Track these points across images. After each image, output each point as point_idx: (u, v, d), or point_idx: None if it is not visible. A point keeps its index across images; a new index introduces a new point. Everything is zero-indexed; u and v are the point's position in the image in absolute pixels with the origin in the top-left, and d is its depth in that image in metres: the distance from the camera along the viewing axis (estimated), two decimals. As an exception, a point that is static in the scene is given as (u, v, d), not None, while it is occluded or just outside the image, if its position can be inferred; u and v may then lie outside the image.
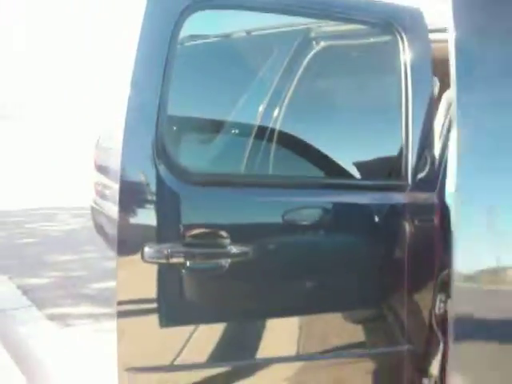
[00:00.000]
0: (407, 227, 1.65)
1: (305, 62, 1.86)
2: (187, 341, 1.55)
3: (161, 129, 1.50)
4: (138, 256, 1.47)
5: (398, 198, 1.69)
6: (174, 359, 1.54)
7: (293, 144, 1.68)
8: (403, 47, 1.72)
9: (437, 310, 1.64)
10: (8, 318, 3.91)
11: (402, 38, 1.72)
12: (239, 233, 1.51)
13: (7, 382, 2.86)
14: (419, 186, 1.68)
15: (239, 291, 1.56)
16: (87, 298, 4.20)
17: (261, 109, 1.70)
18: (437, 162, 1.78)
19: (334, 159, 1.73)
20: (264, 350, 1.60)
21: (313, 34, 1.88)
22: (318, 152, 1.71)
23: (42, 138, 18.03)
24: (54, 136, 17.82)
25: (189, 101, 1.63)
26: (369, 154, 1.80)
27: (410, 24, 1.73)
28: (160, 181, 1.49)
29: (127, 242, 1.49)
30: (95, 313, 3.85)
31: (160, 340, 1.53)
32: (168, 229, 1.50)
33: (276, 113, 1.70)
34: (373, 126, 1.80)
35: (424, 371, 1.68)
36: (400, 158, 1.68)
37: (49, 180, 10.07)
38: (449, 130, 1.82)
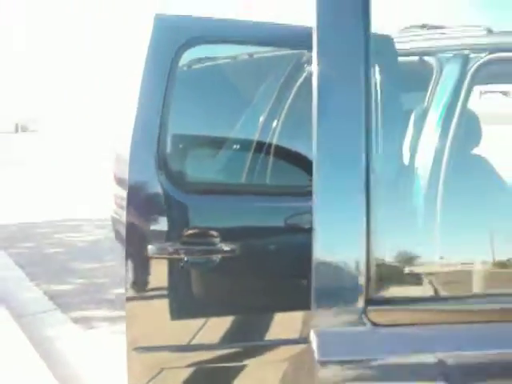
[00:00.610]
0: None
1: (297, 84, 2.14)
2: (187, 325, 1.84)
3: (162, 145, 1.81)
4: (142, 252, 1.78)
5: None
6: (176, 341, 1.83)
7: (275, 154, 1.96)
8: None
9: None
10: (37, 320, 4.25)
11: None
12: (228, 233, 1.80)
13: (35, 378, 3.17)
14: None
15: (229, 283, 1.85)
16: (109, 302, 4.53)
17: (247, 126, 1.99)
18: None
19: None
20: (252, 335, 1.88)
21: (304, 59, 2.16)
22: (301, 159, 1.96)
23: (65, 150, 18.59)
24: (74, 149, 18.36)
25: (186, 120, 1.94)
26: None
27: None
28: (161, 190, 1.80)
29: (134, 241, 1.80)
30: (114, 316, 4.17)
31: (163, 323, 1.83)
32: (167, 230, 1.80)
33: (261, 129, 1.98)
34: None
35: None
36: None
37: (74, 193, 10.51)
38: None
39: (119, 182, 4.31)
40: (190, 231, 1.81)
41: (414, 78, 2.18)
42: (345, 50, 0.85)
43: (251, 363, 1.89)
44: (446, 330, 0.83)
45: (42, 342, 3.77)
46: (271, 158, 1.94)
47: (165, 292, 1.83)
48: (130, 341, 1.82)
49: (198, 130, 1.97)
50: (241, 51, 2.04)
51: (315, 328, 0.77)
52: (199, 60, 2.01)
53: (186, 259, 1.79)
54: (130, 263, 1.79)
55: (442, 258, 0.93)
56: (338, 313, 0.76)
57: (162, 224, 1.81)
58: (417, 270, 0.92)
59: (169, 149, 1.84)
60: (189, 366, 1.91)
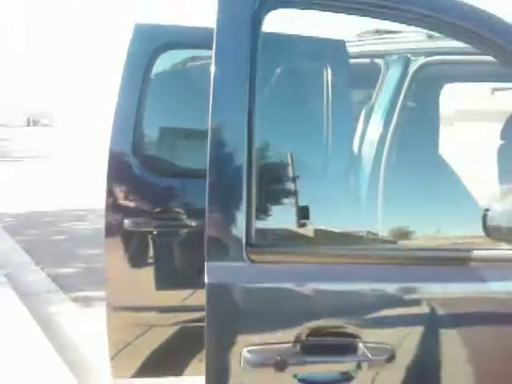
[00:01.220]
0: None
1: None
2: (158, 287, 2.16)
3: (137, 135, 2.13)
4: (119, 225, 2.10)
5: None
6: (147, 301, 2.16)
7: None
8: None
9: None
10: (40, 299, 4.61)
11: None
12: (193, 210, 2.12)
13: (38, 350, 3.52)
14: None
15: (193, 253, 2.17)
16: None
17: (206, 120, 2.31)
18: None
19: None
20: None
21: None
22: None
23: (76, 143, 19.04)
24: (85, 142, 18.80)
25: (157, 115, 2.25)
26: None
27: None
28: (135, 172, 2.12)
29: (112, 216, 2.13)
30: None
31: (137, 286, 2.15)
32: (140, 207, 2.13)
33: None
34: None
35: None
36: None
37: (81, 184, 10.89)
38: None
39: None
40: (160, 208, 2.13)
41: (365, 77, 2.48)
42: (236, 53, 1.13)
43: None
44: (307, 267, 1.14)
45: (44, 317, 4.12)
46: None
47: (138, 259, 2.16)
48: (109, 302, 2.16)
49: (167, 123, 2.29)
50: (204, 55, 2.35)
51: (208, 263, 1.08)
52: (171, 63, 2.33)
53: (155, 232, 2.11)
54: (108, 233, 2.13)
55: (307, 214, 1.23)
56: (227, 252, 1.08)
57: (135, 202, 2.14)
58: (285, 224, 1.23)
59: (142, 138, 2.17)
60: (161, 324, 2.24)
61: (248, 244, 1.08)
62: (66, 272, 5.36)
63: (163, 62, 2.23)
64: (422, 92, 2.36)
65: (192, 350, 2.23)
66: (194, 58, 2.35)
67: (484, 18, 1.28)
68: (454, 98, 2.58)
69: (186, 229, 2.11)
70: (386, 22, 1.57)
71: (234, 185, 1.08)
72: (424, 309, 1.15)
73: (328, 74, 2.27)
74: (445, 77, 2.37)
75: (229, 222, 1.09)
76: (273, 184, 1.22)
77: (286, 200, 1.25)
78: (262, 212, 1.13)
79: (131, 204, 2.14)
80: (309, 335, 1.11)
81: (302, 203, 1.21)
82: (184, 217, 2.10)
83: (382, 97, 2.33)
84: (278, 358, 1.07)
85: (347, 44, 2.37)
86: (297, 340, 1.09)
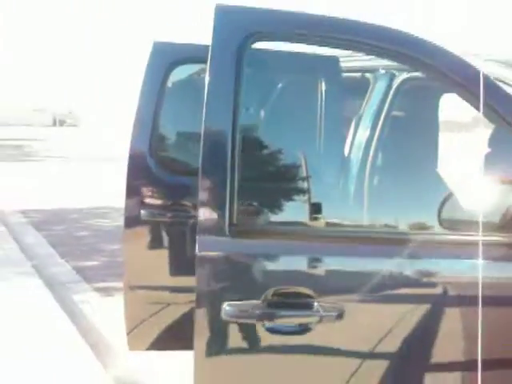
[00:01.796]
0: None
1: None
2: (172, 269, 2.52)
3: (153, 138, 2.50)
4: (137, 216, 2.47)
5: None
6: (163, 282, 2.52)
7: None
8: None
9: None
10: (64, 289, 5.01)
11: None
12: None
13: (62, 333, 3.91)
14: None
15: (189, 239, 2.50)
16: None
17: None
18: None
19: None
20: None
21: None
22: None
23: (101, 143, 19.63)
24: (110, 142, 19.40)
25: (172, 121, 2.62)
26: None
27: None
28: (151, 171, 2.49)
29: (130, 207, 2.49)
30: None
31: (153, 267, 2.51)
32: (155, 200, 2.49)
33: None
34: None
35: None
36: None
37: (105, 183, 11.37)
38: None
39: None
40: (173, 202, 2.49)
41: (356, 90, 2.79)
42: (223, 74, 1.47)
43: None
44: (275, 242, 1.49)
45: (68, 305, 4.53)
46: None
47: (153, 244, 2.52)
48: (127, 281, 2.52)
49: (180, 127, 2.67)
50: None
51: (199, 238, 1.44)
52: (184, 75, 2.70)
53: (168, 222, 2.47)
54: (127, 223, 2.50)
55: (276, 202, 1.57)
56: (213, 230, 1.44)
57: (151, 196, 2.51)
58: (260, 209, 1.57)
59: (158, 141, 2.54)
60: (173, 303, 2.58)
61: (230, 223, 1.44)
62: (88, 265, 5.77)
63: (178, 74, 2.60)
64: (405, 103, 2.67)
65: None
66: (202, 71, 2.71)
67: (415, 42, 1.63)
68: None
69: (194, 219, 2.47)
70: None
71: (221, 178, 1.43)
72: (367, 278, 1.48)
73: (321, 87, 2.60)
74: (426, 90, 2.67)
75: (215, 206, 1.44)
76: (252, 178, 1.56)
77: (262, 191, 1.59)
78: (242, 199, 1.48)
79: (147, 197, 2.50)
80: (274, 295, 1.45)
81: (273, 195, 1.57)
82: (193, 209, 2.45)
83: (370, 107, 2.65)
84: (251, 311, 1.41)
85: (341, 60, 2.69)
86: (265, 298, 1.43)
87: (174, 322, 2.60)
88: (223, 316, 1.42)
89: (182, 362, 2.60)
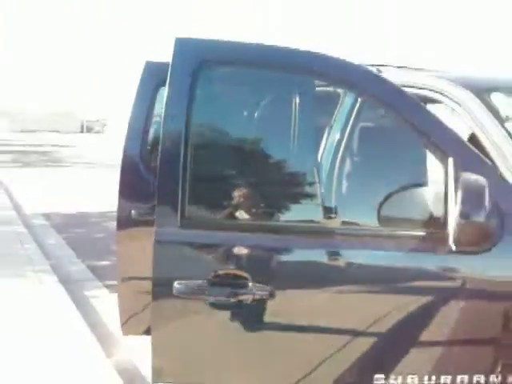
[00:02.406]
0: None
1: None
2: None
3: (143, 145, 2.86)
4: (128, 214, 2.82)
5: None
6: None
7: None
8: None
9: None
10: (78, 286, 5.42)
11: None
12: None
13: (74, 326, 4.28)
14: None
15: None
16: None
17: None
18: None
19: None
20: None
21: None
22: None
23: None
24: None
25: (157, 131, 2.97)
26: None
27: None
28: (141, 173, 2.84)
29: (122, 207, 2.85)
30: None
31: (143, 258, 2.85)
32: (144, 200, 2.84)
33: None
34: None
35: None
36: None
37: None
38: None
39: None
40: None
41: (329, 103, 3.09)
42: (179, 92, 1.83)
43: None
44: (218, 233, 1.83)
45: (80, 300, 4.92)
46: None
47: (142, 239, 2.86)
48: (119, 272, 2.87)
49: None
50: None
51: (156, 229, 1.78)
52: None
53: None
54: (119, 221, 2.85)
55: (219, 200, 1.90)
56: (168, 222, 1.77)
57: (140, 195, 2.86)
58: (206, 206, 1.91)
59: (146, 147, 2.89)
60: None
61: (182, 217, 1.78)
62: (102, 264, 6.17)
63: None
64: (367, 115, 2.97)
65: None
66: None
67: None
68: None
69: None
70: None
71: (174, 179, 1.77)
72: (295, 265, 1.81)
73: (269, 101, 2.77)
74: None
75: (170, 203, 1.78)
76: (201, 179, 1.89)
77: (209, 191, 1.92)
78: (192, 197, 1.81)
79: (138, 198, 2.85)
80: (216, 276, 1.77)
81: (219, 194, 1.90)
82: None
83: (339, 118, 2.96)
84: (196, 289, 1.74)
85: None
86: (208, 278, 1.76)
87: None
88: (174, 292, 1.75)
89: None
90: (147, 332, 3.06)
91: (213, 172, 1.94)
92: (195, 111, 1.84)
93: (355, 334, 1.84)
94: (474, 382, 1.87)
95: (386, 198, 2.11)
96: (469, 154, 1.90)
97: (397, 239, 1.90)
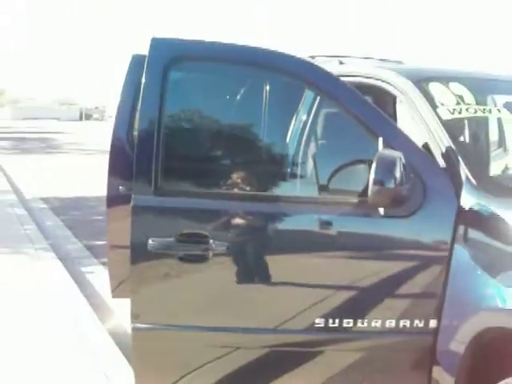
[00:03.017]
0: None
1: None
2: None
3: (130, 128, 3.24)
4: (116, 190, 3.20)
5: None
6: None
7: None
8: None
9: None
10: (75, 262, 5.82)
11: None
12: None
13: (72, 297, 4.68)
14: None
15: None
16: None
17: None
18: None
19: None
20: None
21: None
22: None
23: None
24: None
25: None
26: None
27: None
28: (128, 154, 3.22)
29: (111, 183, 3.23)
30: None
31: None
32: (128, 175, 3.21)
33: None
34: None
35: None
36: None
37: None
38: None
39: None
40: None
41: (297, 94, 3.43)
42: (153, 83, 2.23)
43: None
44: (185, 199, 2.22)
45: (77, 275, 5.32)
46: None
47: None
48: (109, 241, 3.26)
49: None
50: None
51: (133, 196, 2.16)
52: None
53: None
54: (109, 198, 3.23)
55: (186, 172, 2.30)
56: (143, 190, 2.17)
57: (127, 174, 3.22)
58: (176, 178, 2.31)
59: (132, 131, 3.27)
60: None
61: (155, 187, 2.18)
62: (98, 244, 6.54)
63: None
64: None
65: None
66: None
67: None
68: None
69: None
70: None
71: (149, 156, 2.16)
72: (247, 224, 2.21)
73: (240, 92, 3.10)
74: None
75: (145, 175, 2.18)
76: (171, 157, 2.28)
77: (178, 166, 2.31)
78: (163, 170, 2.20)
79: (125, 177, 3.22)
80: (182, 235, 2.17)
81: (186, 169, 2.30)
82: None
83: (303, 108, 3.32)
84: (167, 245, 2.14)
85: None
86: (176, 236, 2.16)
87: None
88: (149, 248, 2.15)
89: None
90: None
91: (181, 150, 2.35)
92: (167, 99, 2.23)
93: (296, 284, 2.25)
94: (401, 326, 2.28)
95: (334, 172, 2.51)
96: (395, 135, 2.28)
97: (337, 205, 2.30)
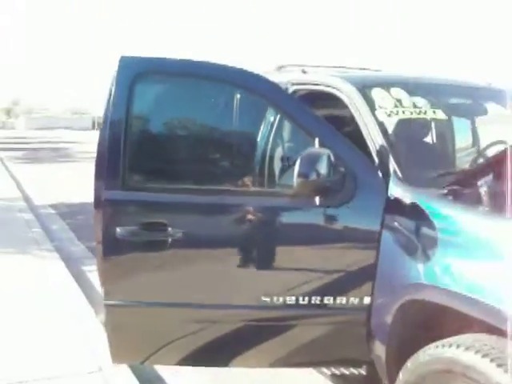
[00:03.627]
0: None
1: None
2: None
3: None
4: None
5: None
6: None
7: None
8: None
9: None
10: (78, 262, 6.23)
11: None
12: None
13: (72, 295, 5.08)
14: None
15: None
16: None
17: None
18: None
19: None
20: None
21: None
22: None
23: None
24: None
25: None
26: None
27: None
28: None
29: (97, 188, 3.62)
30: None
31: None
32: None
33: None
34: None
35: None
36: None
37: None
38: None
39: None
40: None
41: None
42: (121, 93, 2.63)
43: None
44: (149, 194, 2.61)
45: (78, 274, 5.72)
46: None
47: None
48: (95, 238, 3.66)
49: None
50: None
51: (104, 191, 2.57)
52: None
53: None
54: (96, 200, 3.62)
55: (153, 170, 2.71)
56: (114, 186, 2.58)
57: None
58: (142, 175, 2.71)
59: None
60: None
61: (123, 182, 2.58)
62: (100, 245, 6.99)
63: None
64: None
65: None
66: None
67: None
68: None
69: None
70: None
71: (117, 155, 2.57)
72: (199, 214, 2.61)
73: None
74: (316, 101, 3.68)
75: (115, 172, 2.58)
76: (137, 156, 2.69)
77: (142, 164, 2.71)
78: (130, 169, 2.60)
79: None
80: (145, 223, 2.56)
81: (150, 167, 2.70)
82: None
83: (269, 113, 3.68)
84: (132, 232, 2.53)
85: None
86: (139, 225, 2.55)
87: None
88: (117, 236, 2.54)
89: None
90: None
91: (144, 151, 2.77)
92: (132, 108, 2.64)
93: (243, 263, 2.64)
94: (338, 302, 2.64)
95: (281, 170, 2.90)
96: (330, 135, 2.65)
97: (282, 196, 2.69)
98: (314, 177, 2.37)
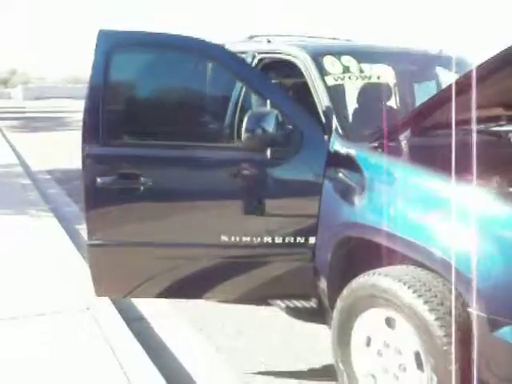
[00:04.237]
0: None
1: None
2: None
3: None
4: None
5: None
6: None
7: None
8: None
9: None
10: (72, 222, 6.67)
11: None
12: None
13: (66, 248, 5.57)
14: None
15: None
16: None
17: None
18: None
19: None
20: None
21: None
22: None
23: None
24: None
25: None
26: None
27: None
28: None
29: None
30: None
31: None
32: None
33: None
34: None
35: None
36: None
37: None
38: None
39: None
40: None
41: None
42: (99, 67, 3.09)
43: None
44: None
45: (72, 231, 6.22)
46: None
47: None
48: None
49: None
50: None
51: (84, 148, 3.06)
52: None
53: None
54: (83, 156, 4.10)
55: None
56: (93, 141, 3.06)
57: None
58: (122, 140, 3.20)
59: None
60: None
61: (102, 139, 3.07)
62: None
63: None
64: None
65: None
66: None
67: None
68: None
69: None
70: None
71: (96, 118, 3.04)
72: (167, 165, 3.10)
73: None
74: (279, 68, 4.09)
75: (94, 131, 3.06)
76: (114, 120, 3.16)
77: (120, 125, 3.18)
78: (107, 127, 3.07)
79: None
80: (122, 174, 3.04)
81: (128, 126, 3.18)
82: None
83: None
84: (111, 180, 3.01)
85: (228, 45, 4.10)
86: (117, 175, 3.03)
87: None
88: (97, 185, 3.02)
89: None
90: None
91: (120, 113, 3.23)
92: (110, 75, 3.08)
93: (204, 207, 3.13)
94: (287, 241, 3.12)
95: (239, 127, 3.35)
96: (280, 98, 3.11)
97: (235, 150, 3.17)
98: (259, 132, 2.83)
